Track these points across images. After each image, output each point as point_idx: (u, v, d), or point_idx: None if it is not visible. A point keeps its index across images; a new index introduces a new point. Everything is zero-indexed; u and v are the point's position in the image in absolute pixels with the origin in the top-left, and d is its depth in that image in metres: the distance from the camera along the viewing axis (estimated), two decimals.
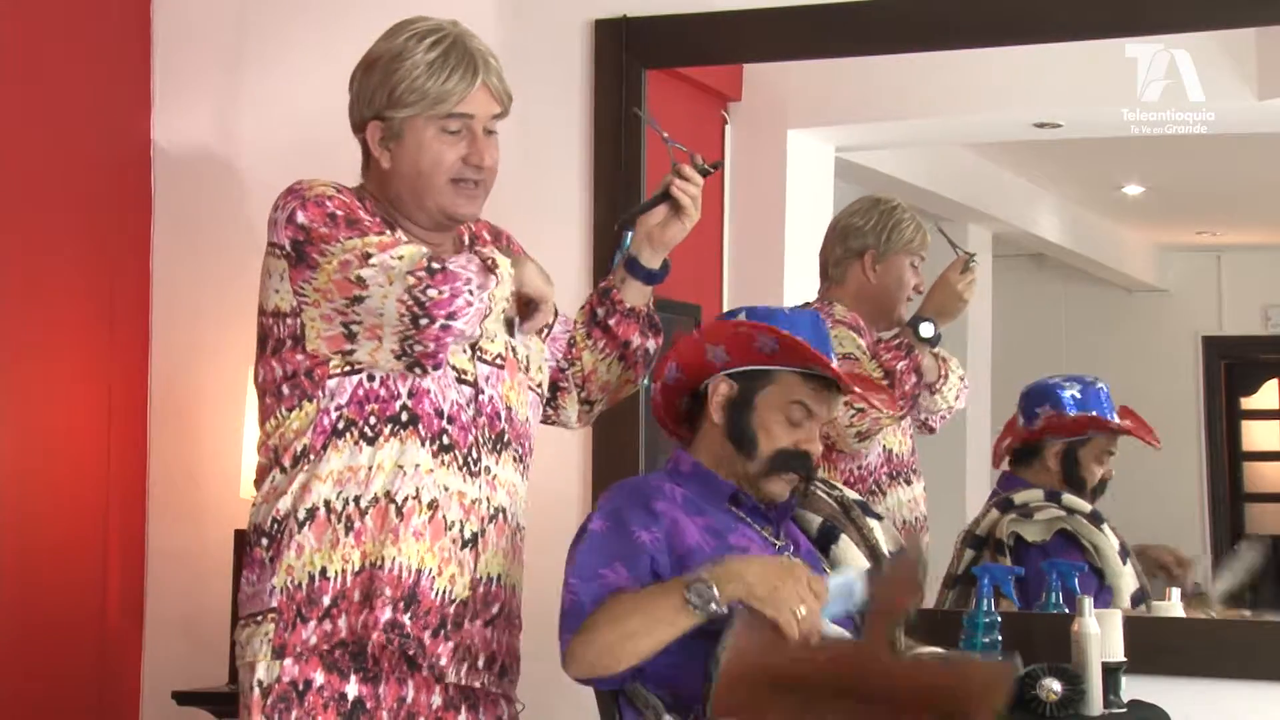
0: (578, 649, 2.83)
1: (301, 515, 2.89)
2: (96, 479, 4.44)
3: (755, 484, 3.03)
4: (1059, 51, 3.91)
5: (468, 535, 2.95)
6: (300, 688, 2.89)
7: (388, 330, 2.85)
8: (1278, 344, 4.52)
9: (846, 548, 3.09)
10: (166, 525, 4.55)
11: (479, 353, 2.99)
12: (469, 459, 2.95)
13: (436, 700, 2.95)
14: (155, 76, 4.62)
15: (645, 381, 3.29)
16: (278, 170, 4.34)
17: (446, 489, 2.92)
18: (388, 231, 2.93)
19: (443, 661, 2.94)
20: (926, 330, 3.88)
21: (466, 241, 3.13)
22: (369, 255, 2.84)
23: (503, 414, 3.01)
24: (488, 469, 2.98)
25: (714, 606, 2.73)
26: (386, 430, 2.90)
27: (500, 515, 3.00)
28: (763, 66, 4.22)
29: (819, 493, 3.22)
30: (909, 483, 4.04)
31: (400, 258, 2.82)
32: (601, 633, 2.81)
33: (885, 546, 3.15)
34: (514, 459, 3.04)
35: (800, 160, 4.27)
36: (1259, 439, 4.57)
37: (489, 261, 2.86)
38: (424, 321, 2.82)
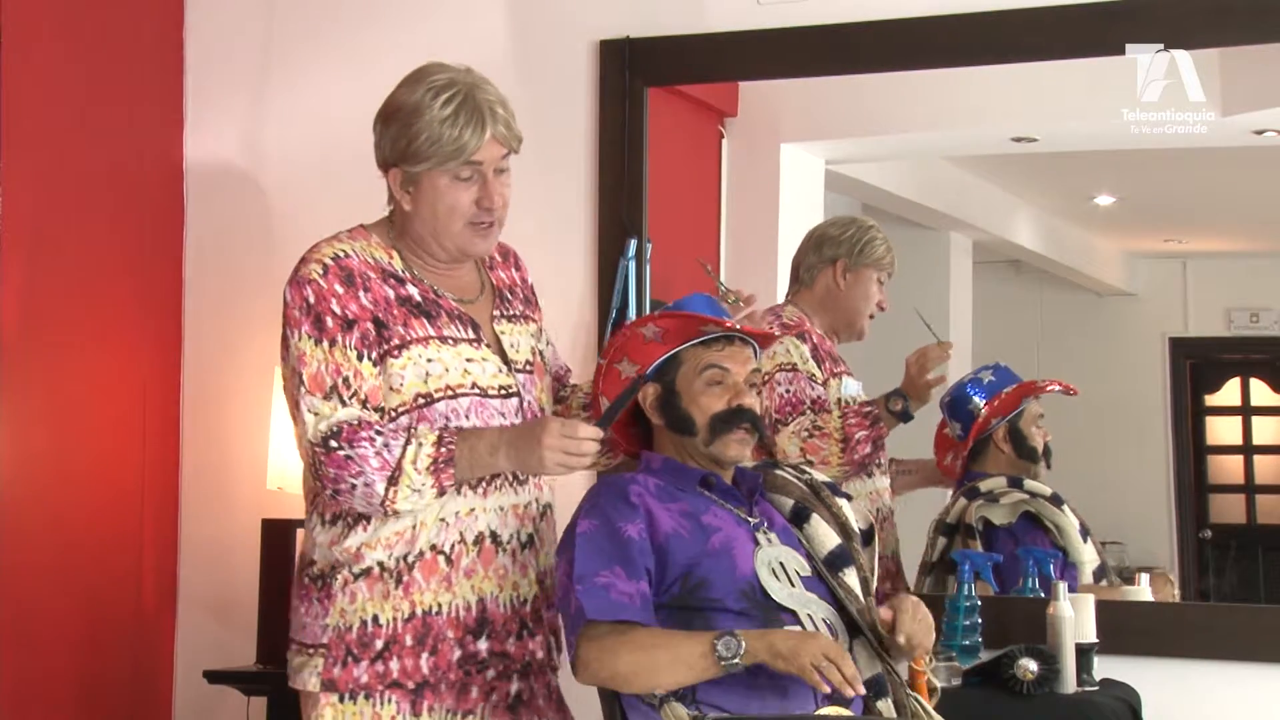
0: (593, 662, 2.83)
1: (357, 571, 2.96)
2: (132, 472, 4.51)
3: (713, 457, 3.04)
4: (1033, 70, 3.97)
5: (523, 539, 3.04)
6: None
7: None
8: (1240, 345, 4.57)
9: (818, 525, 3.10)
10: (197, 515, 4.63)
11: (513, 365, 3.08)
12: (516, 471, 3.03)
13: (491, 672, 3.04)
14: (187, 98, 4.71)
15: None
16: (301, 184, 4.57)
17: (501, 509, 3.01)
18: (334, 342, 2.94)
19: (539, 655, 3.05)
20: (895, 404, 3.89)
21: (487, 262, 3.22)
22: (300, 388, 2.93)
23: (539, 414, 3.11)
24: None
25: (738, 661, 2.75)
26: None
27: (549, 510, 3.12)
28: (757, 84, 4.26)
29: (788, 476, 3.22)
30: (870, 475, 4.02)
31: (315, 414, 2.91)
32: (622, 657, 2.81)
33: (855, 524, 3.18)
34: None
35: (793, 172, 4.34)
36: (1221, 433, 4.63)
37: (399, 468, 2.88)
38: (318, 481, 2.94)
